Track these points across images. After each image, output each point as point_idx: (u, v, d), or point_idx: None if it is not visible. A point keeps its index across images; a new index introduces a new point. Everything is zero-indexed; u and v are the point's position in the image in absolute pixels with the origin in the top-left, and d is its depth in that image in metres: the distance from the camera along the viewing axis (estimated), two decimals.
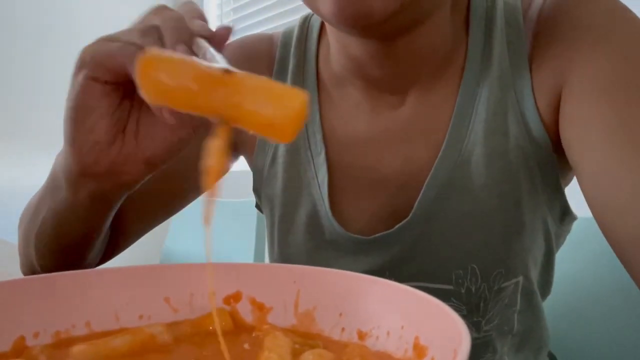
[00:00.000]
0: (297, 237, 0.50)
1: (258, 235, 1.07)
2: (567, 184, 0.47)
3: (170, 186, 0.51)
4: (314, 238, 0.49)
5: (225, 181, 0.59)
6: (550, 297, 0.52)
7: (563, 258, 0.51)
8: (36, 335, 0.29)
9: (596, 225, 0.37)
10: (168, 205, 0.54)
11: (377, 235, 0.46)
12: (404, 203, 0.45)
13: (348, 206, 0.48)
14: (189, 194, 0.54)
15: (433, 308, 0.24)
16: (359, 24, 0.37)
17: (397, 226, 0.45)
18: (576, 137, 0.38)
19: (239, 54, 0.53)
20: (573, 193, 0.46)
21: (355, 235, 0.47)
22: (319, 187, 0.48)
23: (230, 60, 0.54)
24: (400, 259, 0.46)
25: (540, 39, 0.43)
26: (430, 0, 0.39)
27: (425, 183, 0.44)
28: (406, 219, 0.45)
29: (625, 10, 0.40)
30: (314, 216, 0.49)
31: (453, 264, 0.45)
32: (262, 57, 0.53)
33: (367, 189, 0.47)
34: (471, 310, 0.46)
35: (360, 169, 0.47)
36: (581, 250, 0.51)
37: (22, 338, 0.29)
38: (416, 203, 0.45)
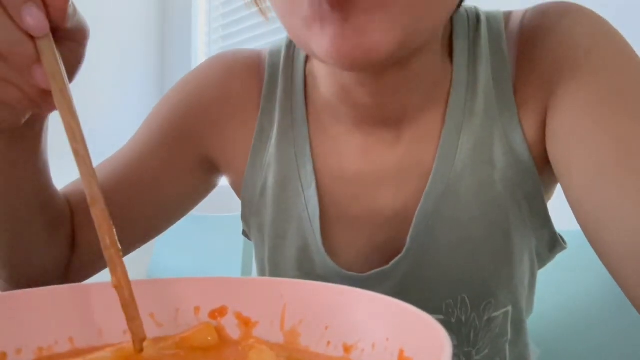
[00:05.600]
0: (287, 271, 0.49)
1: (245, 250, 1.07)
2: (549, 198, 0.47)
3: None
4: (305, 272, 0.48)
5: (212, 196, 0.59)
6: (537, 311, 0.52)
7: (547, 273, 0.52)
8: (18, 351, 0.29)
9: (578, 237, 0.37)
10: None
11: (371, 272, 0.45)
12: (397, 236, 0.45)
13: (339, 241, 0.47)
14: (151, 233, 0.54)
15: (416, 319, 0.24)
16: (358, 63, 0.35)
17: (392, 262, 0.44)
18: (563, 154, 0.38)
19: (227, 76, 0.52)
20: (556, 206, 0.47)
21: (350, 273, 0.46)
22: (310, 220, 0.47)
23: (218, 82, 0.53)
24: (393, 291, 0.45)
25: (523, 62, 0.43)
26: (426, 33, 0.38)
27: (415, 215, 0.44)
28: (401, 254, 0.44)
29: (606, 25, 0.41)
30: (304, 250, 0.47)
31: (443, 294, 0.45)
32: (252, 79, 0.51)
33: (359, 223, 0.46)
34: (462, 340, 0.45)
35: (352, 202, 0.46)
36: (566, 264, 0.52)
37: (4, 354, 0.28)
38: (409, 236, 0.44)
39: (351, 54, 0.34)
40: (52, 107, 0.33)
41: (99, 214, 0.29)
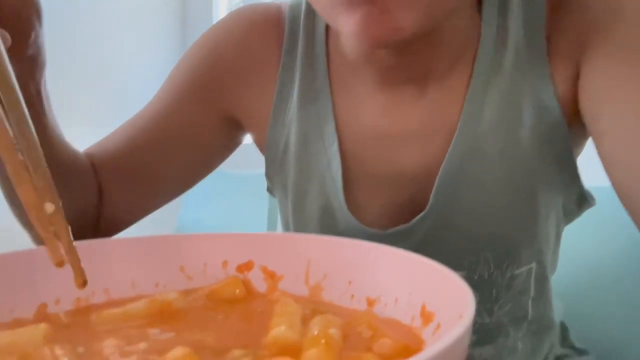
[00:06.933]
0: (310, 228, 0.49)
1: (271, 206, 1.08)
2: (578, 154, 0.46)
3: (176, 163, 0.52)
4: (327, 229, 0.48)
5: (238, 153, 0.60)
6: (562, 267, 0.52)
7: (572, 229, 0.51)
8: (57, 302, 0.30)
9: (607, 193, 0.37)
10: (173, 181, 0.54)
11: (393, 229, 0.45)
12: (420, 194, 0.45)
13: (362, 198, 0.47)
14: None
15: (439, 275, 0.24)
16: (384, 43, 0.35)
17: (414, 219, 0.44)
18: (596, 110, 0.37)
19: (247, 31, 0.51)
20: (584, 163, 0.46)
21: (372, 229, 0.46)
22: (333, 178, 0.47)
23: (238, 38, 0.52)
24: (414, 249, 0.45)
25: (557, 14, 0.41)
26: (452, 4, 0.37)
27: (439, 174, 0.43)
28: (424, 212, 0.44)
29: None
30: (327, 207, 0.48)
31: (466, 252, 0.45)
32: (272, 33, 0.51)
33: (381, 181, 0.46)
34: (484, 297, 0.46)
35: (375, 161, 0.46)
36: (591, 220, 0.51)
37: (44, 305, 0.30)
38: (432, 195, 0.43)
39: (377, 34, 0.35)
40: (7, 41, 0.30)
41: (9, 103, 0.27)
